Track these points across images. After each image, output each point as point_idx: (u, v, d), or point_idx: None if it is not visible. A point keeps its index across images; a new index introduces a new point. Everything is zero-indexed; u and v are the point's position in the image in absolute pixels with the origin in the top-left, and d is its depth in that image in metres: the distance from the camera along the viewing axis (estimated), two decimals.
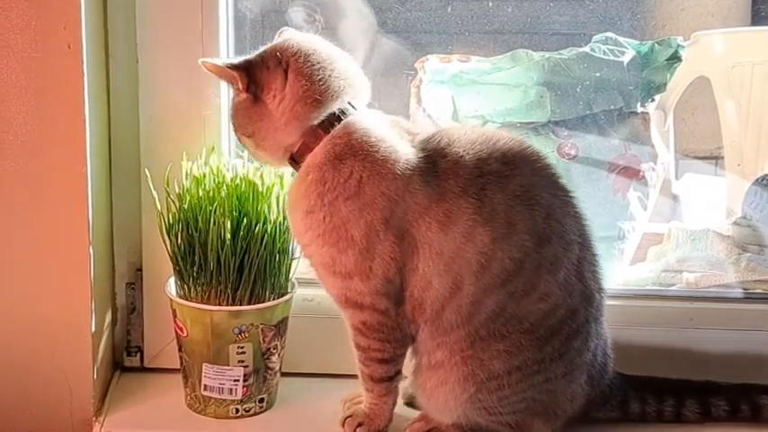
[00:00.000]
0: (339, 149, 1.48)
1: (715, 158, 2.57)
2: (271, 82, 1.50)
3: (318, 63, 1.50)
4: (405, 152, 1.48)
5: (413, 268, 1.48)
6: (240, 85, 1.50)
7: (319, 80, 1.49)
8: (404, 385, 1.61)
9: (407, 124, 1.56)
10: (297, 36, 1.54)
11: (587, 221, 1.54)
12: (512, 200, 1.46)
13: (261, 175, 1.62)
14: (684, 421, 1.63)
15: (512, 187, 1.47)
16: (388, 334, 1.52)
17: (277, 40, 1.54)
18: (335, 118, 1.49)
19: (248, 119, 1.52)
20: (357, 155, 1.47)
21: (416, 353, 1.55)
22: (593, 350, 1.55)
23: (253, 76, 1.50)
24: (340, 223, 1.47)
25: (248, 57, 1.52)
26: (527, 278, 1.47)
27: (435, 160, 1.48)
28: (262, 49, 1.52)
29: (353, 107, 1.51)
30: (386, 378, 1.56)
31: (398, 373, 1.57)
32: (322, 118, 1.49)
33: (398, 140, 1.50)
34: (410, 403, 1.66)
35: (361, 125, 1.49)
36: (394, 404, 1.60)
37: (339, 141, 1.48)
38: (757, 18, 2.60)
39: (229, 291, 1.60)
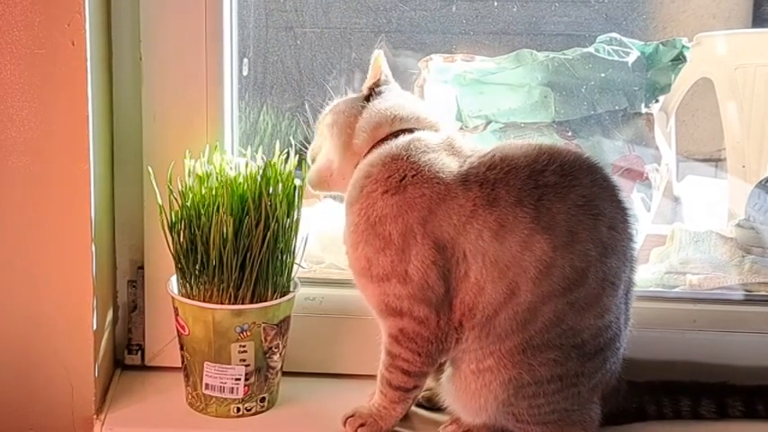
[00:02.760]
0: (396, 150, 1.52)
1: (716, 161, 2.57)
2: (382, 95, 1.60)
3: (411, 98, 1.64)
4: (452, 164, 1.51)
5: (462, 276, 1.48)
6: (373, 82, 1.61)
7: (412, 105, 1.59)
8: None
9: (461, 140, 1.59)
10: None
11: (636, 244, 1.55)
12: (573, 209, 1.46)
13: (264, 174, 1.61)
14: (702, 419, 1.65)
15: (572, 197, 1.46)
16: (422, 346, 1.51)
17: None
18: (406, 131, 1.55)
19: (348, 106, 1.61)
20: (410, 157, 1.51)
21: (458, 360, 1.54)
22: (611, 372, 1.56)
23: (381, 86, 1.62)
24: (376, 219, 1.49)
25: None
26: (591, 289, 1.47)
27: (481, 170, 1.49)
28: None
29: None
30: (403, 388, 1.56)
31: (417, 387, 1.57)
32: (397, 128, 1.56)
33: (454, 160, 1.52)
34: (420, 404, 1.67)
35: (426, 139, 1.54)
36: (403, 413, 1.59)
37: (401, 143, 1.53)
38: (759, 20, 2.60)
39: (231, 289, 1.59)
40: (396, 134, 1.55)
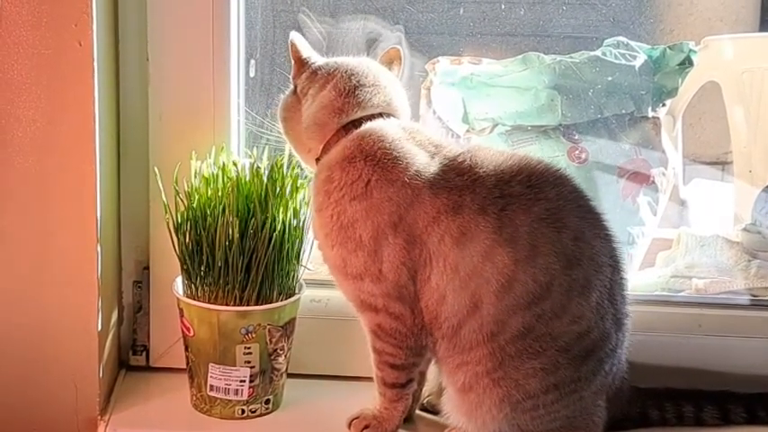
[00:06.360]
0: (349, 152, 1.51)
1: (722, 164, 2.57)
2: (311, 88, 1.56)
3: (356, 79, 1.55)
4: (419, 161, 1.50)
5: (425, 279, 1.48)
6: (293, 73, 1.59)
7: (347, 92, 1.54)
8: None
9: (431, 135, 1.57)
10: (354, 59, 1.60)
11: (618, 244, 1.54)
12: (536, 222, 1.45)
13: (270, 175, 1.61)
14: (705, 425, 1.64)
15: (536, 210, 1.46)
16: (401, 340, 1.53)
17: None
18: (358, 124, 1.53)
19: (285, 107, 1.60)
20: (367, 158, 1.50)
21: (441, 374, 1.55)
22: (613, 374, 1.55)
23: (305, 75, 1.57)
24: (347, 223, 1.49)
25: (320, 60, 1.59)
26: (556, 301, 1.46)
27: (450, 176, 1.48)
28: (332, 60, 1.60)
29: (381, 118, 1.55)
30: (397, 384, 1.57)
31: (411, 381, 1.58)
32: (345, 122, 1.53)
33: (415, 149, 1.51)
34: (425, 408, 1.67)
35: (376, 131, 1.52)
36: (405, 411, 1.60)
37: (350, 144, 1.52)
38: (767, 24, 2.60)
39: (237, 291, 1.59)
40: (346, 127, 1.53)
